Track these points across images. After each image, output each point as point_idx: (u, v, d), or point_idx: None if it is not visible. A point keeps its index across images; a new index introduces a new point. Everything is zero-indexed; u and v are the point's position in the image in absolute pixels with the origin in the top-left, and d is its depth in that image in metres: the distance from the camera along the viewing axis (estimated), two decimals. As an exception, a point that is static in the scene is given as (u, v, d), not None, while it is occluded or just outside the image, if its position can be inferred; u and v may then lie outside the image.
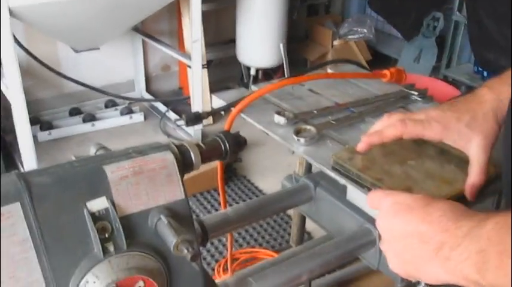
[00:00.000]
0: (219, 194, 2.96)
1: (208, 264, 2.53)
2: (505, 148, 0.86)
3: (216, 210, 2.93)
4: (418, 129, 0.95)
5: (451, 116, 0.95)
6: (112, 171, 0.85)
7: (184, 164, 0.94)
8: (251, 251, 2.62)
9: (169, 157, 0.90)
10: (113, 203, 0.84)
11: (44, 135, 3.57)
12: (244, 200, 3.06)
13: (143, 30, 3.96)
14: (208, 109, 3.48)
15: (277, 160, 3.33)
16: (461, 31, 4.26)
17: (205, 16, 3.59)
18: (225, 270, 2.43)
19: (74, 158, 0.91)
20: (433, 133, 0.95)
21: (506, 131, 0.86)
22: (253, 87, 1.35)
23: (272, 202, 1.29)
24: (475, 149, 0.94)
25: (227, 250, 2.46)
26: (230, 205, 2.67)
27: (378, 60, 4.66)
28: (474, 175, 0.96)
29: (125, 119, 3.85)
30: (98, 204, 0.83)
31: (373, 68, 4.67)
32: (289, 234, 2.72)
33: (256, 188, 3.20)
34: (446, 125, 0.94)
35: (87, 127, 3.72)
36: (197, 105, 3.53)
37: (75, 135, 3.66)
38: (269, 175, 3.28)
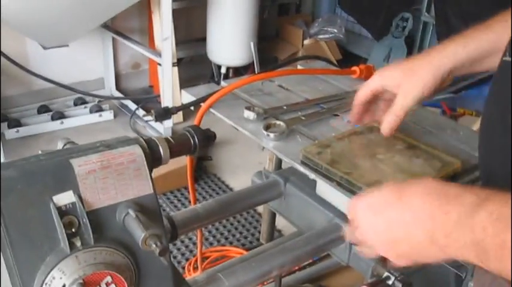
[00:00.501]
0: (189, 191, 2.95)
1: (179, 262, 2.52)
2: (482, 136, 0.86)
3: (186, 207, 2.91)
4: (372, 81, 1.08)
5: (392, 66, 1.08)
6: (79, 165, 0.84)
7: (153, 158, 0.93)
8: (221, 249, 2.61)
9: (137, 151, 0.90)
10: (80, 198, 0.82)
11: (11, 133, 3.51)
12: (213, 197, 3.05)
13: (113, 27, 3.92)
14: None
15: (247, 158, 3.33)
16: (430, 31, 4.32)
17: (176, 14, 3.57)
18: (195, 268, 2.41)
19: (40, 153, 0.90)
20: (372, 81, 1.08)
21: (484, 120, 0.86)
22: (223, 83, 1.35)
23: (242, 197, 1.29)
24: (401, 93, 1.04)
25: (197, 248, 2.46)
26: (199, 201, 2.67)
27: (348, 59, 4.69)
28: (391, 113, 1.05)
29: (95, 117, 3.81)
30: (65, 198, 0.82)
31: (343, 67, 4.71)
32: (259, 232, 2.72)
33: (227, 186, 3.20)
34: (382, 72, 1.08)
35: (56, 125, 3.67)
36: (167, 103, 3.50)
37: (43, 133, 3.60)
38: (239, 173, 3.28)
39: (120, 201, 0.86)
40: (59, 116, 3.71)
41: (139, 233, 0.81)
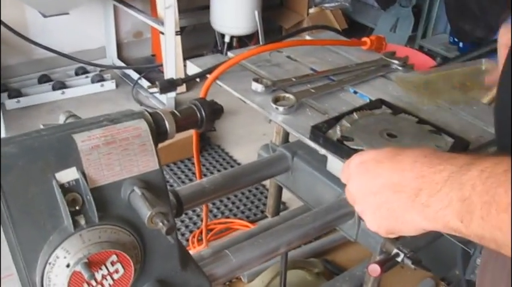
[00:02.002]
0: (193, 163, 2.94)
1: (183, 235, 2.51)
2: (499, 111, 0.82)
3: (191, 180, 2.89)
4: None
5: None
6: (82, 140, 0.81)
7: (158, 132, 0.90)
8: (226, 221, 2.60)
9: (143, 126, 0.86)
10: (84, 174, 0.80)
11: (12, 103, 3.47)
12: (218, 170, 3.03)
13: (115, -5, 3.85)
14: (182, 77, 3.43)
15: (252, 129, 3.30)
16: (438, 1, 4.25)
17: (179, -19, 3.50)
18: (199, 241, 2.41)
19: (42, 127, 0.87)
20: None
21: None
22: (229, 54, 1.31)
23: (248, 172, 1.26)
24: None
25: (202, 220, 2.45)
26: (204, 175, 2.64)
27: (354, 29, 4.62)
28: None
29: (96, 87, 3.77)
30: (68, 175, 0.79)
31: (348, 37, 4.64)
32: (264, 204, 2.70)
33: (231, 157, 3.17)
34: None
35: (57, 95, 3.63)
36: (170, 72, 3.46)
37: (44, 104, 3.57)
38: (244, 145, 3.25)
39: (125, 177, 0.83)
40: (60, 85, 3.67)
41: (145, 211, 0.78)
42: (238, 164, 3.10)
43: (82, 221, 0.78)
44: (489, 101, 1.34)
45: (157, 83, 1.13)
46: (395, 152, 0.70)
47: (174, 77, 3.36)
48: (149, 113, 0.90)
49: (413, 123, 1.08)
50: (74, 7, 3.44)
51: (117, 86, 3.83)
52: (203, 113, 0.95)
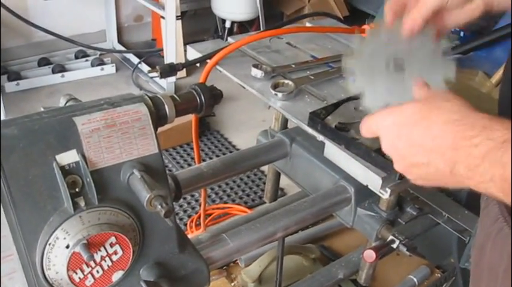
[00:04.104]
0: (192, 149, 2.94)
1: (181, 219, 2.52)
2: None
3: (189, 165, 2.90)
4: None
5: None
6: (83, 123, 0.82)
7: (158, 116, 0.91)
8: (224, 207, 2.62)
9: (143, 109, 0.87)
10: (84, 157, 0.81)
11: (11, 86, 3.47)
12: (217, 155, 3.04)
13: (116, -21, 3.84)
14: (182, 61, 3.43)
15: (251, 115, 3.31)
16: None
17: (180, -35, 3.48)
18: (197, 225, 2.42)
19: (42, 109, 0.88)
20: None
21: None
22: (229, 39, 1.31)
23: (247, 157, 1.27)
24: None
25: (200, 205, 2.46)
26: (203, 160, 2.65)
27: (355, 16, 4.60)
28: (415, 11, 0.87)
29: (96, 71, 3.76)
30: (68, 157, 0.80)
31: (349, 24, 4.62)
32: (262, 190, 2.72)
33: (230, 143, 3.18)
34: None
35: (57, 78, 3.62)
36: (170, 57, 3.45)
37: (44, 87, 3.56)
38: (243, 130, 3.26)
39: (125, 160, 0.84)
40: (60, 69, 3.66)
41: (144, 194, 0.79)
42: (237, 149, 3.11)
43: (82, 203, 0.80)
44: (496, 82, 1.36)
45: (157, 67, 1.13)
46: (421, 114, 0.69)
47: (175, 62, 3.35)
48: (149, 97, 0.91)
49: None
50: (74, -10, 3.43)
51: (117, 70, 3.82)
52: (203, 98, 0.96)
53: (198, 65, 1.22)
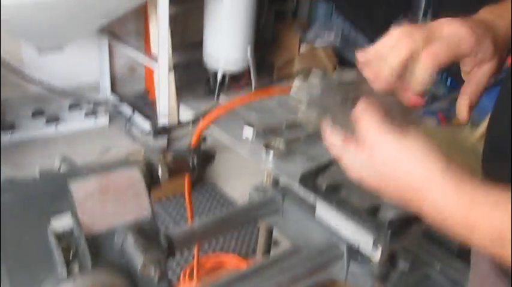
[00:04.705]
0: (185, 200, 2.94)
1: (174, 271, 2.51)
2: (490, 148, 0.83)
3: (182, 216, 2.90)
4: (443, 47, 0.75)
5: (478, 27, 0.76)
6: (78, 188, 0.84)
7: (151, 179, 0.93)
8: (217, 257, 2.60)
9: (136, 174, 0.89)
10: (78, 222, 0.82)
11: (5, 138, 3.48)
12: (210, 206, 3.05)
13: (109, 30, 3.89)
14: (174, 113, 3.46)
15: (244, 165, 3.32)
16: (427, 39, 4.32)
17: (173, 18, 3.55)
18: (190, 277, 2.40)
19: (37, 172, 0.89)
20: (467, 48, 0.75)
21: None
22: (222, 99, 1.34)
23: (240, 214, 1.28)
24: (487, 70, 0.79)
25: (193, 257, 2.45)
26: (196, 212, 2.65)
27: (345, 65, 4.69)
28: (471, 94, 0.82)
29: (90, 122, 3.79)
30: (63, 222, 0.81)
31: (339, 73, 4.62)
32: (256, 237, 2.71)
33: (223, 194, 3.19)
34: (479, 36, 0.75)
35: (51, 129, 3.64)
36: (163, 108, 3.48)
37: (38, 138, 3.57)
38: (237, 180, 3.26)
39: (119, 224, 0.86)
40: (54, 120, 3.69)
41: (138, 260, 0.80)
42: (231, 200, 3.12)
43: (76, 268, 0.80)
44: (481, 135, 1.37)
45: (151, 128, 1.16)
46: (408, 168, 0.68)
47: (167, 114, 3.38)
48: (143, 162, 0.92)
49: None
50: (69, 42, 3.48)
51: (110, 120, 3.85)
52: (195, 160, 0.98)
53: (190, 125, 1.24)
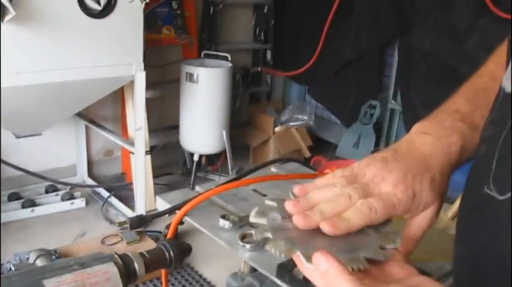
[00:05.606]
0: (161, 282, 2.89)
1: None
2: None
3: (159, 301, 2.85)
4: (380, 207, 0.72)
5: (415, 178, 0.76)
6: (53, 286, 0.83)
7: (128, 275, 0.93)
8: None
9: (112, 269, 0.89)
10: (53, 321, 0.81)
11: (-20, 221, 3.44)
12: (187, 290, 3.01)
13: (86, 115, 3.95)
14: (151, 196, 3.46)
15: (221, 247, 3.29)
16: (397, 118, 4.45)
17: (150, 102, 3.63)
18: None
19: (12, 268, 0.89)
20: (403, 209, 0.75)
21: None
22: (197, 188, 1.36)
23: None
24: (428, 215, 0.79)
25: None
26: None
27: (319, 145, 4.78)
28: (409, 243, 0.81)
29: (66, 205, 3.76)
30: (37, 323, 0.81)
31: (314, 153, 4.75)
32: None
33: (200, 276, 3.15)
34: (416, 192, 0.75)
35: (27, 213, 3.61)
36: (140, 191, 3.49)
37: (14, 221, 3.53)
38: (213, 263, 3.23)
39: (95, 322, 0.85)
40: (30, 203, 3.66)
41: None
42: (209, 283, 3.08)
43: None
44: (453, 215, 1.38)
45: (127, 220, 1.17)
46: None
47: (144, 198, 3.38)
48: (118, 256, 0.93)
49: None
50: (46, 128, 3.52)
51: (87, 203, 3.83)
52: (172, 254, 0.99)
53: (167, 215, 1.26)
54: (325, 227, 0.69)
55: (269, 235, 0.76)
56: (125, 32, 3.14)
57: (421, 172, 0.76)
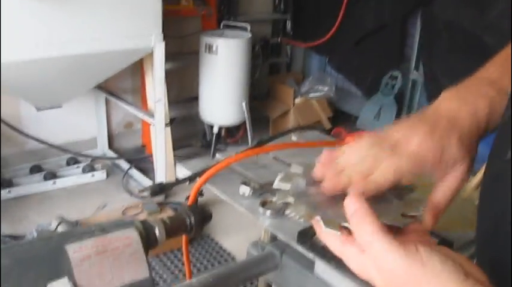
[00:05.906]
0: (182, 254, 2.92)
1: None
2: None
3: (180, 271, 2.88)
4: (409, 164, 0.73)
5: (442, 136, 0.75)
6: (74, 251, 0.83)
7: (148, 240, 0.93)
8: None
9: (133, 235, 0.89)
10: (75, 285, 0.81)
11: (3, 194, 3.47)
12: (208, 261, 3.02)
13: (106, 88, 3.96)
14: (171, 168, 3.47)
15: (241, 218, 3.30)
16: (419, 89, 4.39)
17: (169, 74, 3.61)
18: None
19: (35, 233, 0.89)
20: (432, 165, 0.75)
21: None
22: (217, 156, 1.35)
23: (238, 271, 1.27)
24: (456, 177, 0.78)
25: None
26: (194, 266, 2.62)
27: (339, 117, 4.75)
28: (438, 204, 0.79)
29: (87, 177, 3.79)
30: (60, 286, 0.81)
31: (334, 125, 4.71)
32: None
33: (220, 247, 3.16)
34: (445, 148, 0.74)
35: (49, 185, 3.65)
36: (160, 163, 3.50)
37: (36, 194, 3.57)
38: (233, 233, 3.25)
39: (116, 286, 0.85)
40: (52, 176, 3.70)
41: (135, 324, 0.79)
42: (229, 254, 3.09)
43: (73, 335, 0.80)
44: (476, 185, 1.36)
45: (148, 187, 1.16)
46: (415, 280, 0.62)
47: (164, 169, 3.39)
48: (140, 222, 0.93)
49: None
50: (67, 100, 3.53)
51: (107, 176, 3.86)
52: (192, 220, 0.98)
53: (187, 183, 1.25)
54: (354, 191, 0.70)
55: (291, 199, 0.76)
56: (144, 3, 3.12)
57: (448, 129, 0.75)
